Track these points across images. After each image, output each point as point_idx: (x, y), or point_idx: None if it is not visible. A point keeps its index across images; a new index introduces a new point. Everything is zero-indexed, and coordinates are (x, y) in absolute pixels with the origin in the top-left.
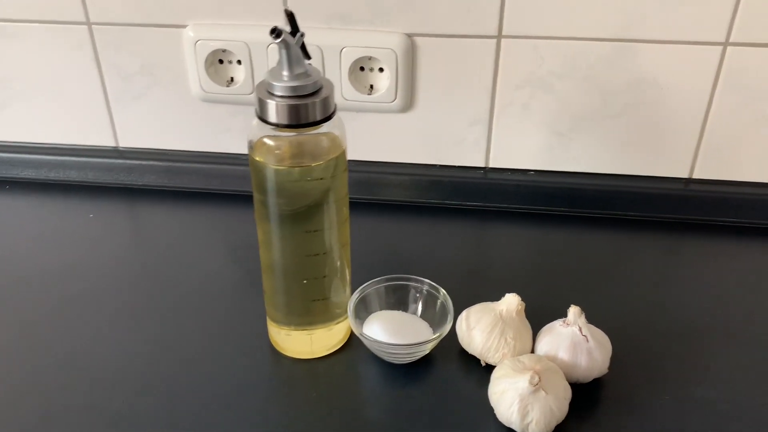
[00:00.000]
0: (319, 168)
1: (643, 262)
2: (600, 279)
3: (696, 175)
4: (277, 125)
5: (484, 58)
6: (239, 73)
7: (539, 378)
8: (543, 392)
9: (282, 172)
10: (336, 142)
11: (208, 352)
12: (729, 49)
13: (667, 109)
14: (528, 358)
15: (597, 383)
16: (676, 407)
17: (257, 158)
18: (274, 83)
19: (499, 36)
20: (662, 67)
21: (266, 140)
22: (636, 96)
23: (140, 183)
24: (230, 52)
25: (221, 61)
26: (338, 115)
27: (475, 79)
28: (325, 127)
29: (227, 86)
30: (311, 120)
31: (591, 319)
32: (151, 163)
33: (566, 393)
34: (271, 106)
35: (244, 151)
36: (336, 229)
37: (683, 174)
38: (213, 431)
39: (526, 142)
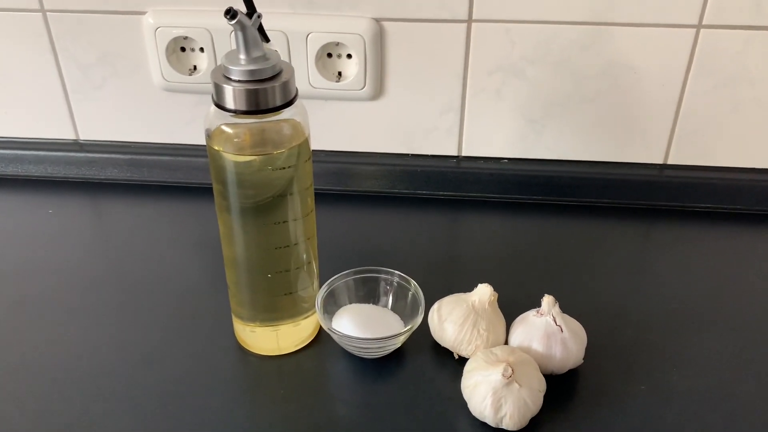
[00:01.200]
0: (282, 156)
1: (618, 250)
2: (574, 267)
3: (670, 161)
4: (235, 112)
5: (454, 43)
6: (202, 61)
7: (512, 370)
8: (516, 385)
9: (242, 161)
10: (298, 129)
11: (171, 351)
12: (702, 31)
13: (640, 94)
14: (501, 350)
15: (572, 374)
16: (653, 396)
17: (215, 147)
18: (231, 67)
19: (469, 20)
20: (636, 50)
21: (224, 128)
22: (609, 81)
23: (101, 177)
24: (192, 39)
25: (183, 49)
26: (300, 101)
27: (446, 65)
28: (286, 114)
29: (190, 75)
30: (271, 105)
31: (565, 308)
32: (113, 156)
33: (540, 385)
34: (228, 91)
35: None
36: (301, 220)
37: (657, 160)
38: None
39: (498, 130)
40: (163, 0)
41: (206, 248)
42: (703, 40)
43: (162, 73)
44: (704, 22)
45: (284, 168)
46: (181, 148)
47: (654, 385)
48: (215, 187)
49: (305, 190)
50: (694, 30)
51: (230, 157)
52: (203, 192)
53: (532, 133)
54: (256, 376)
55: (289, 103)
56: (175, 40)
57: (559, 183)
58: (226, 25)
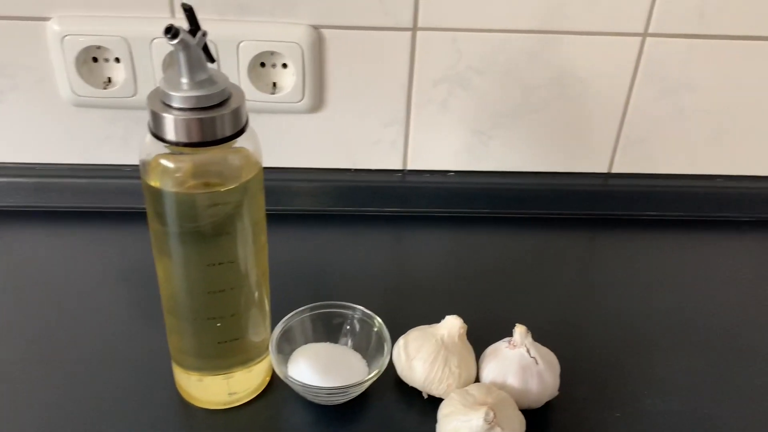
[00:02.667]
0: (230, 192)
1: (569, 263)
2: (529, 284)
3: (615, 170)
4: (176, 144)
5: (398, 52)
6: (118, 72)
7: (494, 413)
8: (499, 429)
9: (184, 198)
10: (250, 160)
11: (100, 410)
12: (648, 40)
13: (587, 103)
14: (477, 390)
15: (547, 406)
16: (629, 422)
17: (152, 183)
18: (171, 93)
19: (414, 28)
20: (583, 59)
21: (163, 161)
22: (556, 90)
23: (4, 204)
24: (106, 49)
25: (95, 60)
26: (251, 127)
27: (390, 76)
28: (236, 143)
29: (104, 88)
30: (219, 136)
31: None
32: (17, 180)
33: (521, 426)
34: (169, 120)
35: (128, 161)
36: (253, 257)
37: (602, 169)
38: None
39: (445, 142)
40: (71, 4)
41: (131, 282)
42: (649, 48)
43: (71, 87)
44: (650, 30)
45: (233, 203)
46: (96, 168)
47: (628, 411)
48: (152, 226)
49: (257, 224)
50: (640, 38)
51: (170, 194)
52: (124, 217)
53: (479, 145)
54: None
55: (239, 132)
56: (86, 49)
57: (505, 195)
58: (144, 32)
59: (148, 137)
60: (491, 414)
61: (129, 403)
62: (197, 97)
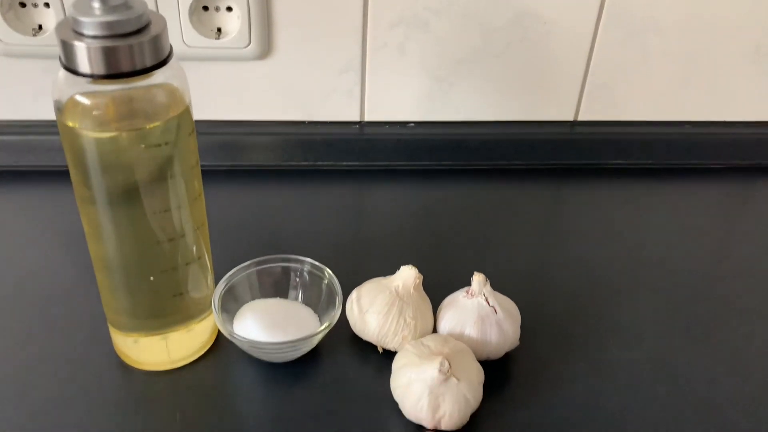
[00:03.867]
0: (156, 131)
1: (534, 214)
2: (492, 237)
3: (581, 118)
4: (91, 76)
5: None
6: (49, 18)
7: (449, 364)
8: (455, 380)
9: (105, 140)
10: (176, 96)
11: (33, 375)
12: None
13: (551, 46)
14: (433, 341)
15: (507, 357)
16: (593, 373)
17: (69, 123)
18: (83, 19)
19: None
20: None
21: (79, 98)
22: (519, 33)
23: None
24: None
25: (23, 5)
26: (177, 61)
27: (344, 18)
28: (159, 77)
29: (34, 36)
30: (139, 66)
31: (491, 284)
32: None
33: (479, 376)
34: (81, 50)
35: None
36: (187, 207)
37: (568, 117)
38: None
39: (403, 90)
40: None
41: (69, 244)
42: None
43: None
44: None
45: (160, 145)
46: (30, 125)
47: (593, 361)
48: (73, 175)
49: (190, 170)
50: None
51: (90, 135)
52: (61, 176)
53: (438, 93)
54: (144, 396)
55: (162, 63)
56: None
57: (468, 146)
58: None
59: (62, 73)
60: (446, 364)
61: (66, 366)
62: (111, 23)
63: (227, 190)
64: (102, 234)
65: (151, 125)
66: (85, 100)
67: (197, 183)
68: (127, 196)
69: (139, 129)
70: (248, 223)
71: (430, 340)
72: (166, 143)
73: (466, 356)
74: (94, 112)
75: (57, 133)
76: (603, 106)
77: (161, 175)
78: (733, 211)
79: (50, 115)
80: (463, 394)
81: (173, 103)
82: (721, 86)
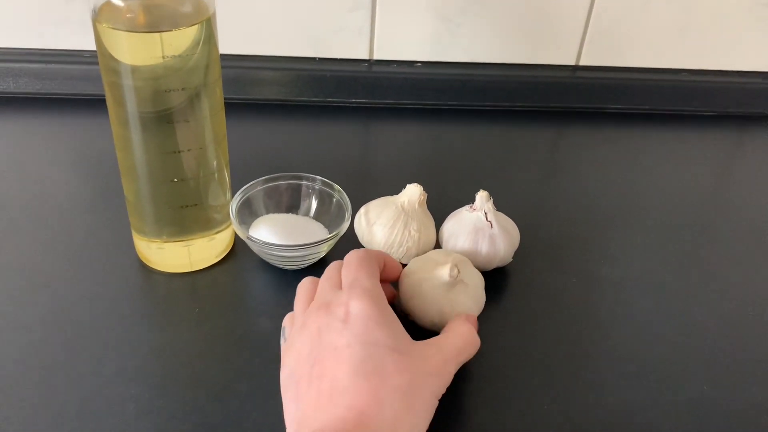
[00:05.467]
0: (184, 36)
1: (535, 153)
2: (495, 172)
3: (583, 62)
4: None
5: None
6: None
7: (458, 269)
8: (463, 282)
9: (137, 42)
10: (201, 6)
11: (62, 275)
12: None
13: None
14: (437, 254)
15: (500, 271)
16: (584, 287)
17: (104, 25)
18: None
19: None
20: None
21: (114, 1)
22: None
23: None
24: None
25: None
26: None
27: None
28: None
29: None
30: None
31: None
32: None
33: (481, 282)
34: None
35: (84, 47)
36: (209, 118)
37: (570, 61)
38: (79, 363)
39: (412, 29)
40: None
41: (92, 165)
42: None
43: None
44: None
45: (187, 55)
46: (52, 53)
47: (584, 277)
48: (105, 79)
49: (213, 82)
50: None
51: (123, 37)
52: (81, 103)
53: (446, 34)
54: (166, 295)
55: None
56: None
57: (473, 87)
58: None
59: None
60: (456, 269)
61: (92, 267)
62: None
63: (238, 123)
64: (129, 140)
65: (178, 29)
66: (118, 2)
67: (220, 94)
68: (154, 103)
69: (167, 31)
70: (258, 153)
71: (434, 254)
72: (191, 53)
73: (468, 264)
74: (127, 15)
75: (78, 62)
76: (604, 51)
77: (186, 84)
78: (725, 157)
79: (72, 44)
80: (471, 295)
81: (198, 11)
82: (719, 35)
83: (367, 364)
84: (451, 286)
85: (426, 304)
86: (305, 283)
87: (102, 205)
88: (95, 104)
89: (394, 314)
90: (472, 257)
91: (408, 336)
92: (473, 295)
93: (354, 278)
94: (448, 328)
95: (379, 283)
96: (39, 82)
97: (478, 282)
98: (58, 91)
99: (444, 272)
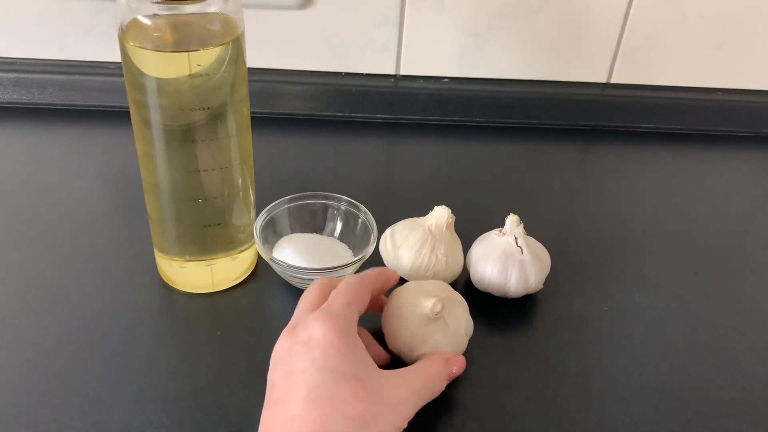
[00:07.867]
0: (212, 55)
1: (563, 171)
2: (522, 191)
3: (614, 80)
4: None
5: None
6: None
7: (441, 306)
8: (443, 322)
9: (164, 59)
10: (230, 25)
11: (82, 292)
12: None
13: (587, 6)
14: (434, 285)
15: (530, 298)
16: (616, 315)
17: (131, 43)
18: None
19: None
20: None
21: (141, 19)
22: None
23: None
24: None
25: None
26: None
27: None
28: (215, 6)
29: None
30: None
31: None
32: None
33: (468, 328)
34: None
35: (109, 58)
36: (236, 138)
37: (601, 79)
38: (99, 384)
39: (439, 45)
40: None
41: (114, 178)
42: None
43: None
44: None
45: (215, 73)
46: (77, 65)
47: (616, 306)
48: (131, 97)
49: (240, 101)
50: None
51: (149, 56)
52: (104, 115)
53: (474, 49)
54: (187, 315)
55: None
56: None
57: (500, 104)
58: None
59: None
60: (439, 306)
61: (112, 286)
62: None
63: (264, 136)
64: (153, 157)
65: (205, 49)
66: (146, 21)
67: (247, 113)
68: (180, 121)
69: (194, 50)
70: (282, 168)
71: (431, 285)
72: (218, 71)
73: (461, 306)
74: (155, 34)
75: (102, 74)
76: (636, 69)
77: (213, 101)
78: (761, 179)
79: (96, 55)
80: (449, 338)
81: (226, 30)
82: (757, 53)
83: (321, 391)
84: (429, 321)
85: (399, 329)
86: (307, 291)
87: (124, 220)
88: (119, 116)
89: (359, 341)
90: (501, 284)
91: (373, 364)
92: (451, 339)
93: (330, 303)
94: (421, 363)
95: (355, 309)
96: (63, 94)
97: (461, 328)
98: (82, 103)
99: (427, 304)
